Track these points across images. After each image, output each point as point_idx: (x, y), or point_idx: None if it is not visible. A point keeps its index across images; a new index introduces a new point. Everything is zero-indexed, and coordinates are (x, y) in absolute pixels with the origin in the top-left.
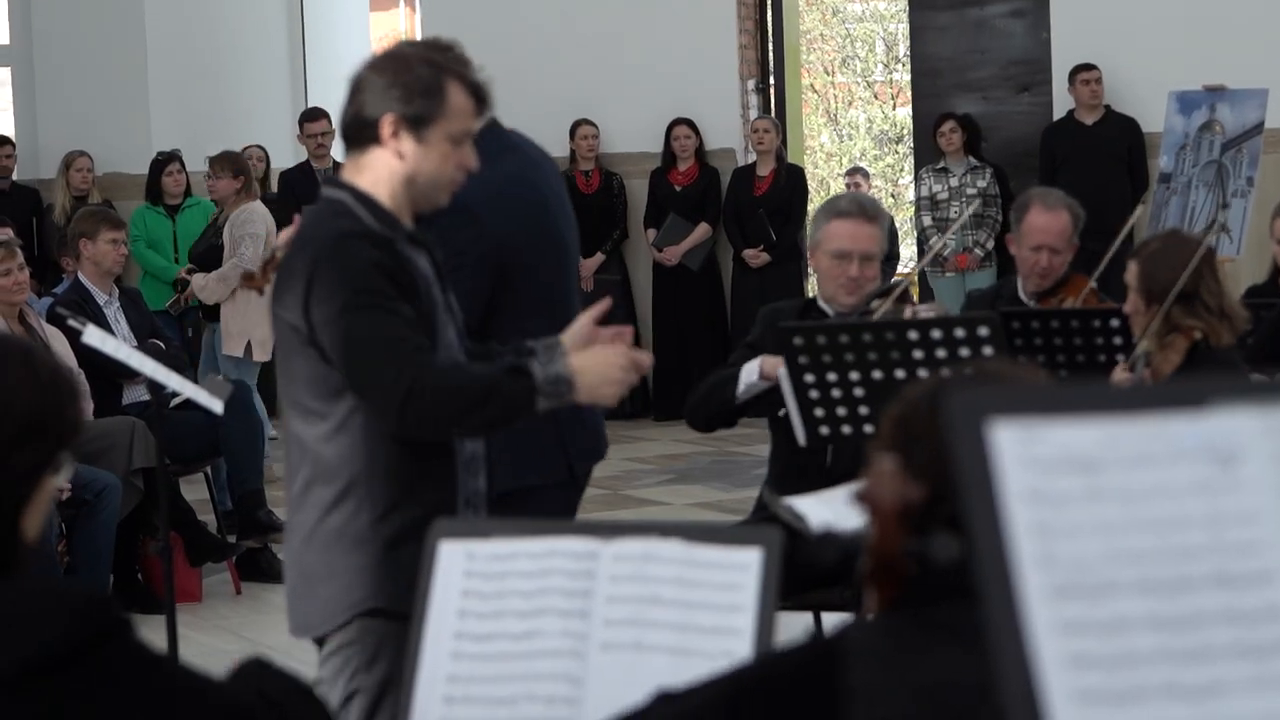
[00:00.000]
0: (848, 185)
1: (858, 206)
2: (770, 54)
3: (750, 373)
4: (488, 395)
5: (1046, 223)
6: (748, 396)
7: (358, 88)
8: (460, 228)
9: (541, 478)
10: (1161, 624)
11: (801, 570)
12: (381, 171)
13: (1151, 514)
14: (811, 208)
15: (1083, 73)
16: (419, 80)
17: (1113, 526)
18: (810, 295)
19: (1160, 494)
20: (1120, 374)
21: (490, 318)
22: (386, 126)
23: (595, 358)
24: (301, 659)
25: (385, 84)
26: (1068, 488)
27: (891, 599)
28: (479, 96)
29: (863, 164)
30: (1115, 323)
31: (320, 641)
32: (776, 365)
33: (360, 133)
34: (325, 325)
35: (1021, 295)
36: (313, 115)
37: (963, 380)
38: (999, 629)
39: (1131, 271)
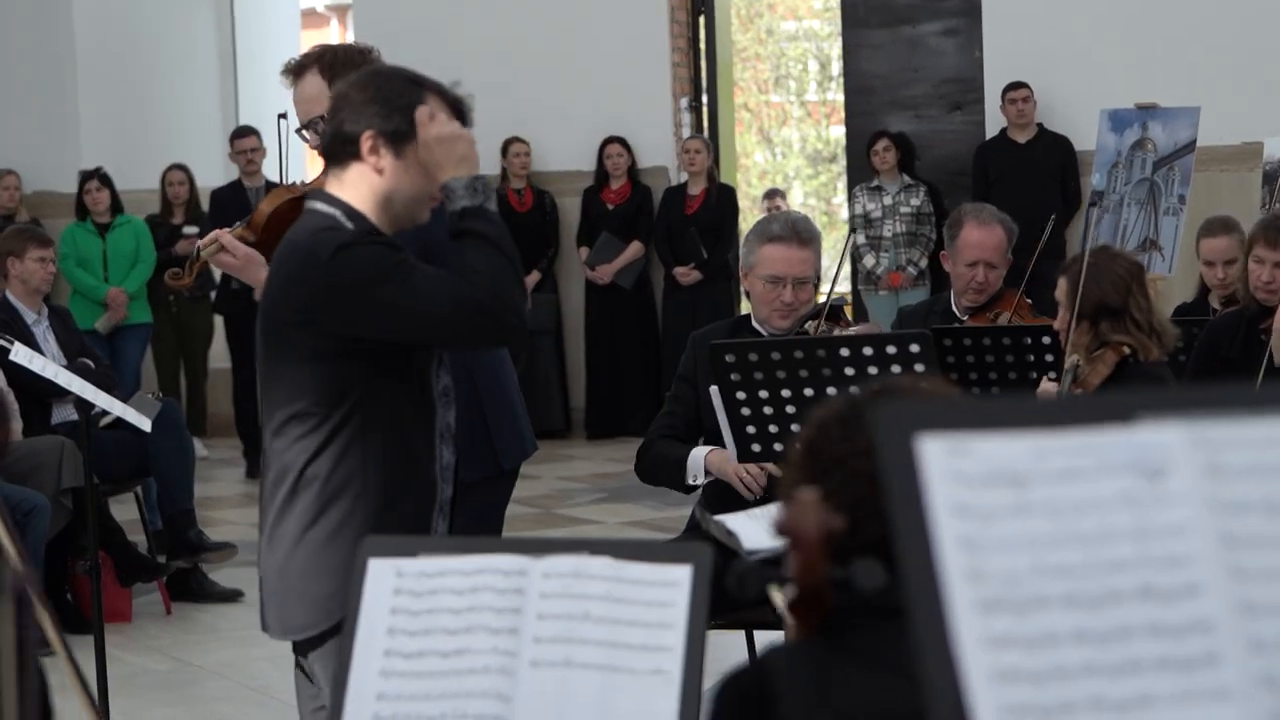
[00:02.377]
0: (767, 209)
1: (791, 230)
2: (703, 72)
3: (697, 467)
4: (493, 241)
5: (981, 238)
6: (698, 486)
7: (339, 104)
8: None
9: (473, 474)
10: (1089, 638)
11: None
12: (363, 187)
13: (1079, 528)
14: (744, 226)
15: (1013, 91)
16: (399, 97)
17: (1041, 540)
18: (744, 313)
19: (1088, 508)
20: (1047, 386)
21: None
22: (366, 142)
23: (432, 152)
24: (230, 678)
25: (365, 100)
26: (996, 502)
27: (815, 627)
28: (459, 112)
29: (795, 183)
30: (1046, 339)
31: (301, 648)
32: (722, 467)
33: (341, 149)
34: (370, 317)
35: (955, 311)
36: (243, 132)
37: (870, 400)
38: (927, 643)
39: (1061, 288)
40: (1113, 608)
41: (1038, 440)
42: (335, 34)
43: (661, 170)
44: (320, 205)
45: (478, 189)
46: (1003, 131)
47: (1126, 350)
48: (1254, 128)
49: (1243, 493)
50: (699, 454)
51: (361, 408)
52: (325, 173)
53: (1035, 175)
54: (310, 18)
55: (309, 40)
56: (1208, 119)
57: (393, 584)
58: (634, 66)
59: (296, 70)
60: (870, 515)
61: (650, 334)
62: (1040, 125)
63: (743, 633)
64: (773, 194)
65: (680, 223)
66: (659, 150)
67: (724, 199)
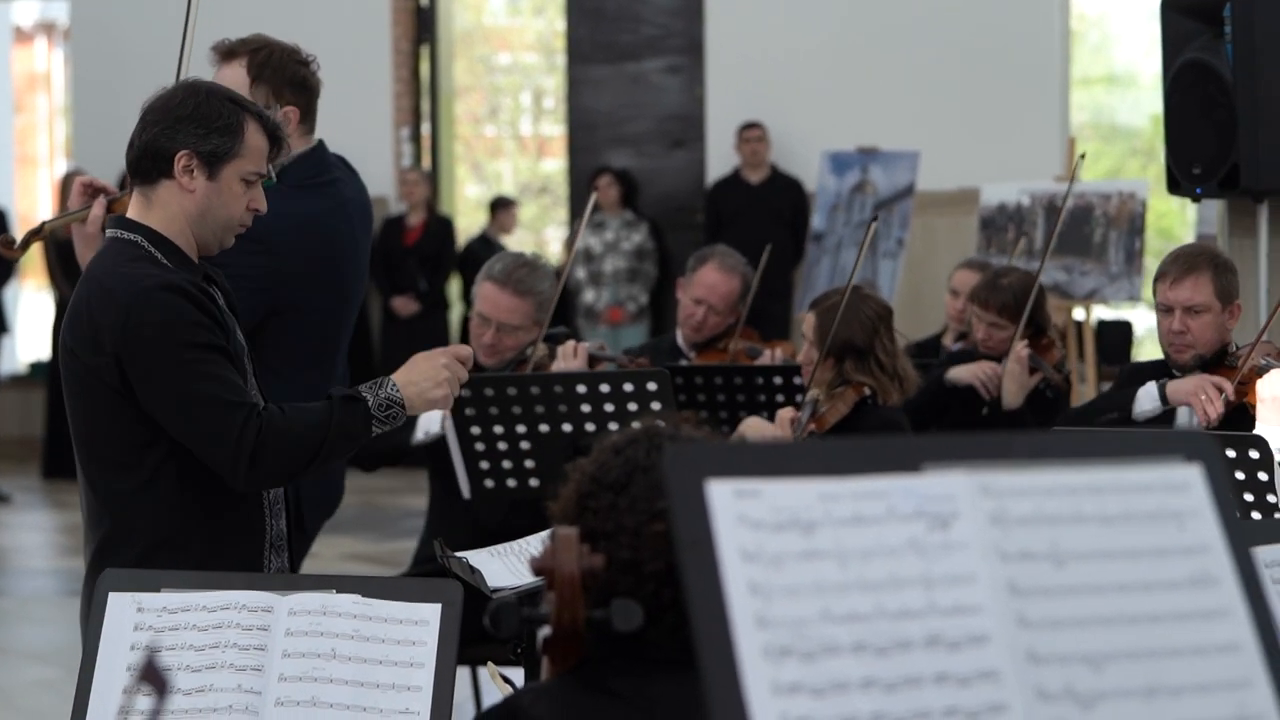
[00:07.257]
0: (493, 214)
1: (508, 276)
2: (425, 103)
3: (431, 420)
4: (325, 434)
5: (715, 281)
6: (424, 443)
7: (152, 119)
8: (250, 254)
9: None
10: (878, 686)
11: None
12: (172, 208)
13: (868, 575)
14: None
15: (747, 130)
16: (218, 117)
17: (829, 587)
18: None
19: (876, 555)
20: (787, 414)
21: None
22: (180, 161)
23: (416, 367)
24: None
25: (182, 117)
26: (784, 547)
27: (570, 667)
28: (275, 139)
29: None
30: (779, 380)
31: None
32: None
33: (151, 165)
34: (154, 386)
35: (681, 346)
36: None
37: (636, 445)
38: (716, 689)
39: (809, 322)
40: (901, 656)
41: (826, 486)
42: (43, 52)
43: (381, 201)
44: (122, 232)
45: (386, 405)
46: (736, 171)
47: (867, 391)
48: (971, 173)
49: (1026, 541)
50: (435, 412)
51: (173, 449)
52: (131, 190)
53: (766, 216)
54: (20, 34)
55: (19, 58)
56: (927, 164)
57: (133, 619)
58: (355, 96)
59: (226, 53)
60: (632, 557)
61: (364, 365)
62: (774, 166)
63: (468, 669)
64: (500, 204)
65: (398, 253)
66: (379, 180)
67: (442, 230)
